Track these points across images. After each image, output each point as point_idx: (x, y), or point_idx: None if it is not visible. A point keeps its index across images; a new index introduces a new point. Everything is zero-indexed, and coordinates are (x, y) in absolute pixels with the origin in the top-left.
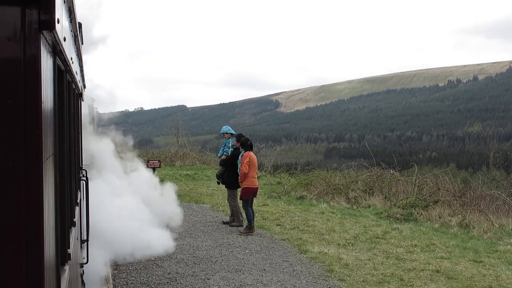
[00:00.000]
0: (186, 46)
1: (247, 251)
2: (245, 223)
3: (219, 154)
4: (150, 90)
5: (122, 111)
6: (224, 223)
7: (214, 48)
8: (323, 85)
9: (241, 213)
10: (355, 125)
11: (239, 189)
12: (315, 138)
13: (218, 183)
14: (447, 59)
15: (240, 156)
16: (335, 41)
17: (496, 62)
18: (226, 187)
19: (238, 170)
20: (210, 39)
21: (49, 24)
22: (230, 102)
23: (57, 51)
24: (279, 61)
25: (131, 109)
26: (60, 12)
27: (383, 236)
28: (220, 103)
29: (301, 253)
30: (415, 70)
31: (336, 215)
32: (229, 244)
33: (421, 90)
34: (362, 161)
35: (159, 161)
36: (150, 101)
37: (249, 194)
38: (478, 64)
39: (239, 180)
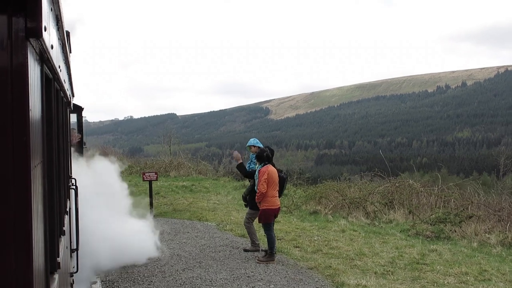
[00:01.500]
0: (177, 55)
1: (271, 286)
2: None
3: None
4: (140, 99)
5: (112, 120)
6: (245, 250)
7: (205, 56)
8: (313, 92)
9: (256, 236)
10: (345, 131)
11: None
12: (305, 145)
13: (245, 205)
14: (435, 65)
15: (256, 171)
16: (325, 48)
17: (484, 68)
18: (247, 206)
19: (256, 188)
20: (201, 47)
21: (36, 31)
22: (220, 110)
23: (44, 59)
24: (269, 69)
25: (121, 117)
26: (47, 20)
27: (422, 260)
28: (210, 111)
29: (337, 287)
30: (404, 77)
31: (359, 233)
32: (248, 277)
33: (411, 96)
34: (353, 167)
35: (155, 173)
36: (140, 109)
37: (270, 217)
38: (467, 70)
39: (256, 201)
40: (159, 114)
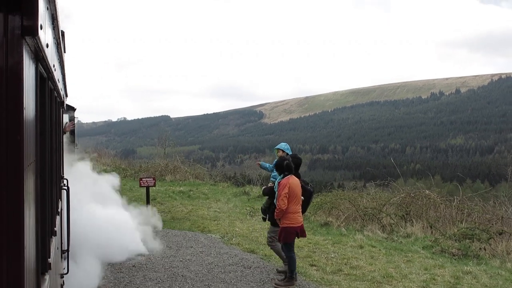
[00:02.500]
0: (172, 57)
1: None
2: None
3: (271, 178)
4: (134, 100)
5: (105, 121)
6: (278, 271)
7: (200, 59)
8: (307, 97)
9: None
10: (339, 136)
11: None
12: (299, 150)
13: (264, 219)
14: (429, 72)
15: (276, 183)
16: (320, 52)
17: (478, 75)
18: (266, 220)
19: (275, 201)
20: (197, 49)
21: (32, 30)
22: (214, 113)
23: (39, 58)
24: (264, 72)
25: (114, 119)
26: (43, 18)
27: (459, 285)
28: (204, 114)
29: None
30: (398, 82)
31: (379, 250)
32: None
33: (404, 102)
34: (346, 172)
35: (153, 178)
36: (134, 111)
37: (291, 235)
38: (461, 77)
39: (275, 217)
40: (152, 116)
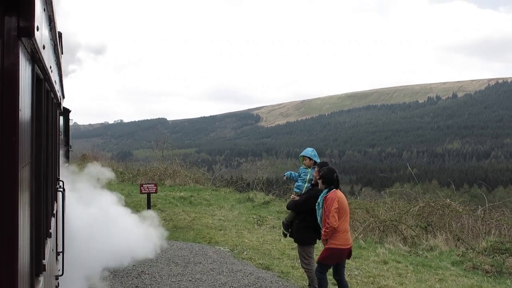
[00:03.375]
0: (170, 60)
1: None
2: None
3: (294, 189)
4: (131, 102)
5: (102, 123)
6: None
7: (198, 62)
8: (304, 100)
9: (325, 274)
10: (335, 140)
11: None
12: (296, 153)
13: (285, 235)
14: (426, 76)
15: (321, 198)
16: (317, 56)
17: (475, 80)
18: (295, 241)
19: (319, 218)
20: (194, 52)
21: (28, 31)
22: (210, 116)
23: (36, 59)
24: (261, 75)
25: (111, 121)
26: (40, 20)
27: None
28: (201, 117)
29: None
30: (395, 87)
31: (405, 266)
32: None
33: (401, 106)
34: (343, 176)
35: (155, 185)
36: (131, 113)
37: (335, 258)
38: (458, 82)
39: (323, 237)
40: (149, 118)
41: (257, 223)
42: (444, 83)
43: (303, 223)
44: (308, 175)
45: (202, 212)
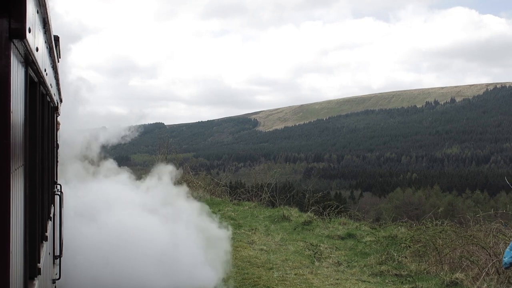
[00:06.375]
0: (169, 63)
1: None
2: None
3: (505, 260)
4: (129, 107)
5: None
6: None
7: (195, 66)
8: (302, 105)
9: None
10: (334, 145)
11: None
12: (294, 158)
13: None
14: (424, 81)
15: None
16: (314, 61)
17: (473, 85)
18: None
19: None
20: (191, 57)
21: (20, 32)
22: (208, 120)
23: (29, 61)
24: (258, 80)
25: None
26: (32, 21)
27: None
28: (198, 121)
29: None
30: (393, 91)
31: None
32: None
33: (399, 111)
34: (342, 181)
35: None
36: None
37: None
38: (456, 86)
39: None
40: (147, 123)
41: (314, 256)
42: (442, 88)
43: None
44: None
45: (236, 238)
